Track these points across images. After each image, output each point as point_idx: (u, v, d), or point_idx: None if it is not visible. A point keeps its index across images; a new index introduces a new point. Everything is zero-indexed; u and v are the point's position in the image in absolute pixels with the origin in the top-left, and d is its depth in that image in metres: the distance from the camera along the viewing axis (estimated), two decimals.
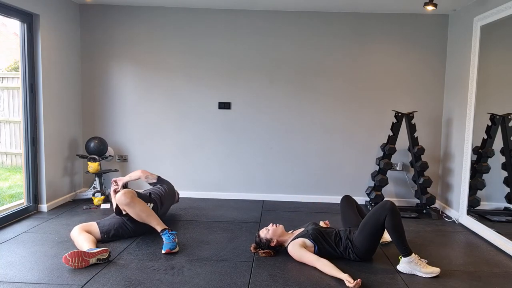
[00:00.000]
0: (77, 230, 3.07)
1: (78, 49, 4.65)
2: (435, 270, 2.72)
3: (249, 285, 2.54)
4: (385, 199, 4.37)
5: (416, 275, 2.71)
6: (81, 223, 3.68)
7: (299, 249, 2.86)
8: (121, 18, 4.64)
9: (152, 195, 3.51)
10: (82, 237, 2.98)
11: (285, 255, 3.01)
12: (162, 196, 3.59)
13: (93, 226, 3.18)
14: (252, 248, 3.08)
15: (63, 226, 3.61)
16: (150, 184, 3.83)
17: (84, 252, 2.69)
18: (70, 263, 2.64)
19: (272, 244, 3.01)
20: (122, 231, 3.24)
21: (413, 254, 2.75)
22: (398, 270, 2.79)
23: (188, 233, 3.50)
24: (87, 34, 4.67)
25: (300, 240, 2.94)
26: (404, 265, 2.75)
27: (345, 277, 2.55)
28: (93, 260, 2.69)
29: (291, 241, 2.99)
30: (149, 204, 3.33)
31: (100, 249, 2.76)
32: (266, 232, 3.04)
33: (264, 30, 4.62)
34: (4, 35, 7.07)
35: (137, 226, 3.26)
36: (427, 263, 2.79)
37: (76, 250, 2.67)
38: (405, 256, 2.75)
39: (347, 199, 3.36)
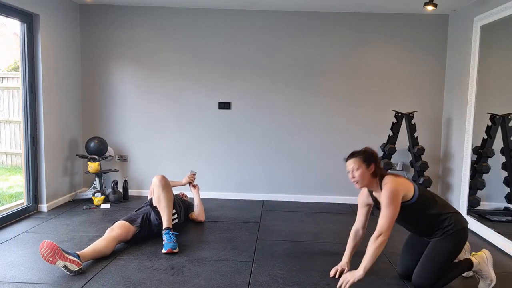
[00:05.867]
0: (108, 232, 3.01)
1: (78, 49, 4.65)
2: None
3: (249, 285, 2.54)
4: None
5: None
6: (81, 223, 3.70)
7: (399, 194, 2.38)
8: (121, 18, 4.64)
9: (180, 206, 3.63)
10: (100, 242, 2.90)
11: (286, 255, 3.01)
12: (183, 212, 3.74)
13: (123, 222, 3.13)
14: None
15: (63, 226, 3.61)
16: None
17: (59, 250, 2.56)
18: (42, 250, 2.53)
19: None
20: (146, 218, 3.25)
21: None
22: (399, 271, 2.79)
23: (188, 233, 3.50)
24: (87, 34, 4.67)
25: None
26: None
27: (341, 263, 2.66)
28: (59, 264, 2.55)
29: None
30: (173, 209, 3.39)
31: (74, 258, 2.61)
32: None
33: (264, 30, 4.62)
34: (4, 35, 7.08)
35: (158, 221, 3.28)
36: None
37: (55, 244, 2.55)
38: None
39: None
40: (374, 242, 2.35)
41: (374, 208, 2.72)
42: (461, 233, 2.46)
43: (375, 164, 2.49)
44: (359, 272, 2.34)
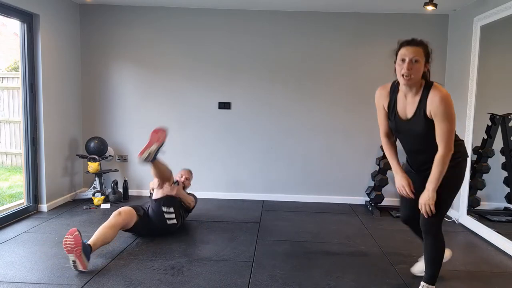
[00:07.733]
0: (115, 217, 3.03)
1: (78, 49, 4.65)
2: None
3: (249, 285, 2.54)
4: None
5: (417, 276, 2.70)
6: (81, 223, 3.70)
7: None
8: (121, 18, 4.64)
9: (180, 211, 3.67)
10: (108, 231, 2.91)
11: (286, 255, 3.02)
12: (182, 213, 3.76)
13: (130, 209, 3.19)
14: None
15: (63, 226, 3.61)
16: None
17: (80, 249, 2.59)
18: (68, 237, 2.58)
19: None
20: (147, 210, 3.37)
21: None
22: (397, 270, 2.79)
23: (188, 233, 3.50)
24: (87, 34, 4.67)
25: None
26: None
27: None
28: (71, 257, 2.59)
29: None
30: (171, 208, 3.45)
31: (86, 263, 2.63)
32: None
33: (264, 30, 4.62)
34: (4, 35, 7.08)
35: (154, 212, 3.36)
36: None
37: (80, 241, 2.60)
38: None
39: None
40: (440, 162, 2.11)
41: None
42: (465, 163, 2.30)
43: (429, 64, 2.17)
44: (430, 195, 2.15)
